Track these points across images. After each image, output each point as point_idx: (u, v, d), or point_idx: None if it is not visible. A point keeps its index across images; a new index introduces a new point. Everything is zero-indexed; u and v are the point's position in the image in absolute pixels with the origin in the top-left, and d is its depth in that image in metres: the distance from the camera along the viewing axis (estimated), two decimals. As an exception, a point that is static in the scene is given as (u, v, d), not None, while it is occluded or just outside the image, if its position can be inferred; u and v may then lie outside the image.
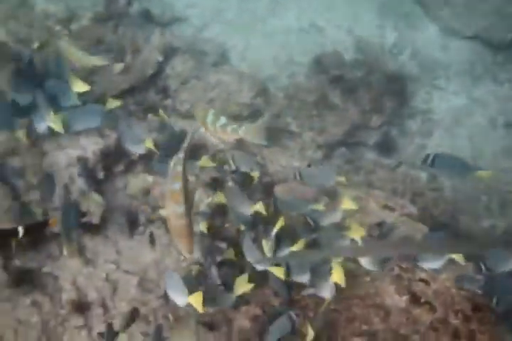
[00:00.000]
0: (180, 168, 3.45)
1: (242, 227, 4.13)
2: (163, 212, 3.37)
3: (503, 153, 6.36)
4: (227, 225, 4.66)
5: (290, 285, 3.81)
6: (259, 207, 4.04)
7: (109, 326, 3.78)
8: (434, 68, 6.99)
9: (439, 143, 6.39)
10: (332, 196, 4.58)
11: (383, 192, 4.76)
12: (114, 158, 4.93)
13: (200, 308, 3.46)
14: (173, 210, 3.34)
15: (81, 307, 4.23)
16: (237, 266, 4.03)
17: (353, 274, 3.90)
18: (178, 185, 3.39)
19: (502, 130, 6.55)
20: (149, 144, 4.53)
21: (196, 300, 3.48)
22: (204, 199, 4.86)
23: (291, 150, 5.72)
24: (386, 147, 6.21)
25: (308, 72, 6.48)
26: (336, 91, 6.07)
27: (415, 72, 6.96)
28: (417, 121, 6.59)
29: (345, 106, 6.01)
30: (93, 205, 4.62)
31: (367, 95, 6.08)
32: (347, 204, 3.98)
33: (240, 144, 5.53)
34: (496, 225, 5.63)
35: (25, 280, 4.32)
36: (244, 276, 3.73)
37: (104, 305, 4.24)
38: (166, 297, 4.03)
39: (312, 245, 3.92)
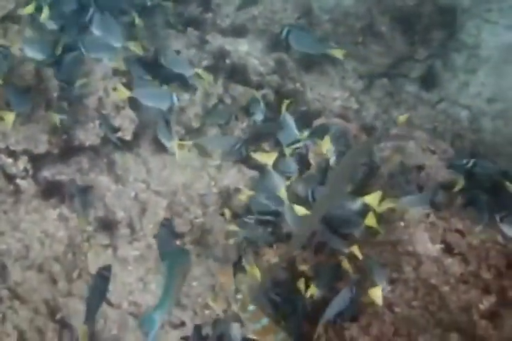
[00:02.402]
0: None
1: None
2: None
3: (550, 96, 6.12)
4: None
5: None
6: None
7: None
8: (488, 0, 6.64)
9: (484, 81, 6.15)
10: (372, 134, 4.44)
11: (425, 133, 4.59)
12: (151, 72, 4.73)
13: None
14: None
15: (108, 225, 4.22)
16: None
17: (386, 219, 3.82)
18: (265, 321, 3.35)
19: (551, 72, 6.28)
20: None
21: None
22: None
23: (332, 78, 5.52)
24: (429, 81, 5.99)
25: (357, -5, 6.16)
26: (384, 18, 5.79)
27: (467, 2, 6.62)
28: (462, 56, 6.31)
29: (393, 35, 5.75)
30: (126, 120, 4.52)
31: (416, 25, 5.81)
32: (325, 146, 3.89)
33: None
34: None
35: (53, 193, 4.29)
36: None
37: (131, 226, 4.21)
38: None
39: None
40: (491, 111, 5.77)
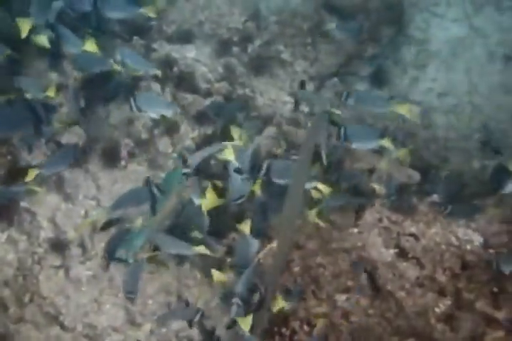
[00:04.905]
0: None
1: None
2: None
3: (500, 88, 6.13)
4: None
5: None
6: None
7: None
8: (435, -7, 6.64)
9: (434, 76, 6.15)
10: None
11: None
12: (98, 85, 4.66)
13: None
14: None
15: (59, 246, 4.12)
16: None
17: (339, 226, 3.79)
18: None
19: (500, 64, 6.29)
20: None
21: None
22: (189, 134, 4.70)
23: (282, 81, 5.47)
24: (379, 79, 5.97)
25: (305, -5, 6.10)
26: (332, 17, 5.74)
27: (414, -4, 6.60)
28: (412, 51, 6.30)
29: (341, 34, 5.70)
30: (74, 137, 4.43)
31: (364, 23, 5.77)
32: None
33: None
34: (486, 165, 5.46)
35: (1, 216, 4.18)
36: None
37: (82, 245, 4.13)
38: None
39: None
40: (443, 107, 5.77)
